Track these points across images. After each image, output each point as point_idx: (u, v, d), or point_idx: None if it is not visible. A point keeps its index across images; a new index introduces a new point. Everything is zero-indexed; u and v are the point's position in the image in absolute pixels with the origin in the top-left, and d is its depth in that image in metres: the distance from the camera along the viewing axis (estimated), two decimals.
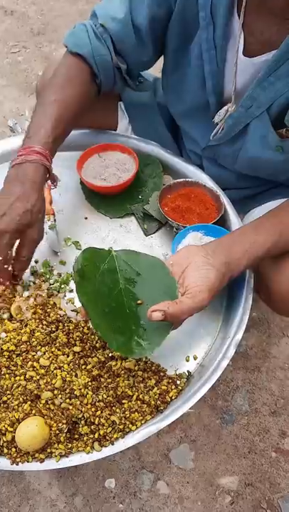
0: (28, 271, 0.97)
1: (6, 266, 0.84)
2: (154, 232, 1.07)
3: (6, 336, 0.83)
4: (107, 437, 0.77)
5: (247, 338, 1.40)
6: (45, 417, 0.77)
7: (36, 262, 0.99)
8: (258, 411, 1.29)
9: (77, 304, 0.93)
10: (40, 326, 0.86)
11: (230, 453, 1.23)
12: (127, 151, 1.14)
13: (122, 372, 0.82)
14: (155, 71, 1.17)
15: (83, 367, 0.82)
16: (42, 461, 0.76)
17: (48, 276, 0.97)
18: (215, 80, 0.95)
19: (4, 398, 0.79)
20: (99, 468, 1.20)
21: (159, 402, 0.81)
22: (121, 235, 1.06)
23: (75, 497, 1.17)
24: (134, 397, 0.80)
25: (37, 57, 2.32)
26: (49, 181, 0.96)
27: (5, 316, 0.87)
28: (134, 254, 0.86)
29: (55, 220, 1.07)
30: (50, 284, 0.95)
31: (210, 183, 1.08)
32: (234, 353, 1.25)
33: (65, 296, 0.95)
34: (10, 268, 0.87)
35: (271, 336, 1.41)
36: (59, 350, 0.83)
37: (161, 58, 1.07)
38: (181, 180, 1.09)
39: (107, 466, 1.21)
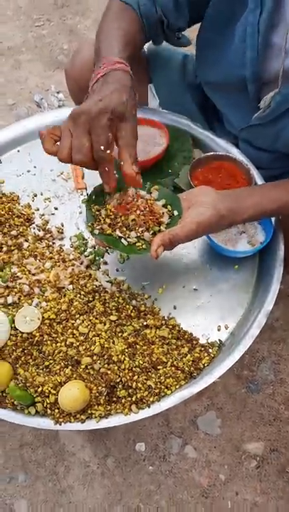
0: (67, 243, 1.01)
1: (108, 152, 0.77)
2: None
3: (47, 305, 0.88)
4: (144, 400, 0.81)
5: (273, 310, 1.41)
6: (86, 380, 0.81)
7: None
8: (283, 381, 1.32)
9: (112, 275, 0.97)
10: (78, 296, 0.90)
11: (256, 420, 1.27)
12: (158, 125, 1.14)
13: (157, 340, 0.86)
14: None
15: (120, 334, 0.86)
16: (83, 421, 0.80)
17: (82, 248, 1.00)
18: (254, 67, 0.95)
19: (47, 363, 0.83)
20: (129, 432, 1.26)
21: (192, 368, 0.84)
22: None
23: (107, 459, 1.23)
24: (169, 363, 0.84)
25: (61, 31, 2.30)
26: None
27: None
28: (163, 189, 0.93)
29: (87, 194, 1.10)
30: (86, 256, 0.99)
31: (240, 157, 1.09)
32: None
33: (99, 268, 0.98)
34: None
35: None
36: (96, 318, 0.87)
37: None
38: (211, 153, 1.10)
39: (137, 430, 1.26)
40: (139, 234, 0.86)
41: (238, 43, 0.94)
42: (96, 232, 0.86)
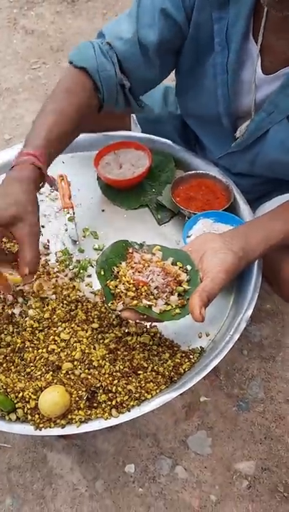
0: (52, 258, 1.04)
1: None
2: (167, 222, 1.13)
3: (32, 312, 0.90)
4: (124, 404, 0.81)
5: (261, 328, 1.43)
6: (66, 385, 0.82)
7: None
8: (274, 399, 1.31)
9: (95, 287, 1.00)
10: (61, 305, 0.92)
11: (247, 439, 1.25)
12: (141, 147, 1.20)
13: (138, 346, 0.88)
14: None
15: (101, 341, 0.88)
16: (63, 426, 0.81)
17: (67, 262, 1.03)
18: (226, 103, 1.02)
19: (28, 370, 0.85)
20: (119, 454, 1.24)
21: (172, 373, 0.85)
22: (136, 225, 1.12)
23: (96, 481, 1.21)
24: (149, 368, 0.85)
25: (56, 73, 2.43)
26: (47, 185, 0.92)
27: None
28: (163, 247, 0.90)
29: (74, 213, 1.14)
30: (70, 270, 1.01)
31: (219, 174, 1.13)
32: (249, 344, 1.30)
33: (83, 280, 1.01)
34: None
35: (285, 327, 1.44)
36: (78, 326, 0.89)
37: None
38: (192, 172, 1.15)
39: (126, 452, 1.24)
40: (165, 300, 0.82)
41: (210, 81, 1.00)
42: (120, 307, 0.81)
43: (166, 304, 0.82)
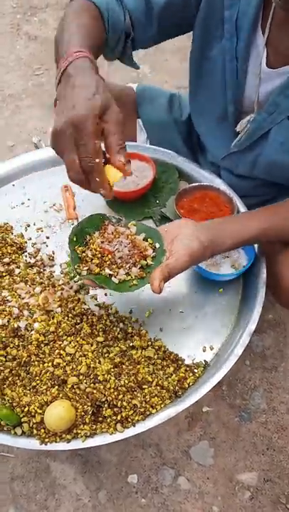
0: (57, 269, 1.04)
1: (97, 160, 0.71)
2: None
3: (37, 325, 0.90)
4: (129, 419, 0.82)
5: (264, 339, 1.43)
6: (72, 400, 0.82)
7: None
8: (276, 409, 1.32)
9: (100, 300, 1.00)
10: (66, 318, 0.92)
11: (249, 450, 1.26)
12: (145, 159, 1.21)
13: (142, 360, 0.88)
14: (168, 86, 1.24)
15: (106, 355, 0.88)
16: (69, 441, 0.81)
17: (72, 274, 1.04)
18: (235, 90, 1.02)
19: (34, 384, 0.85)
20: (122, 464, 1.24)
21: (177, 387, 0.86)
22: None
23: (99, 492, 1.21)
24: (154, 382, 0.85)
25: None
26: None
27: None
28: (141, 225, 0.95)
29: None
30: (75, 282, 1.02)
31: (223, 187, 1.14)
32: (252, 354, 1.30)
33: (88, 292, 1.01)
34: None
35: (288, 337, 1.44)
36: (83, 339, 0.90)
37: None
38: (196, 184, 1.15)
39: (129, 462, 1.25)
40: (127, 270, 0.87)
41: (218, 70, 1.02)
42: (84, 273, 0.87)
43: (127, 274, 0.87)
